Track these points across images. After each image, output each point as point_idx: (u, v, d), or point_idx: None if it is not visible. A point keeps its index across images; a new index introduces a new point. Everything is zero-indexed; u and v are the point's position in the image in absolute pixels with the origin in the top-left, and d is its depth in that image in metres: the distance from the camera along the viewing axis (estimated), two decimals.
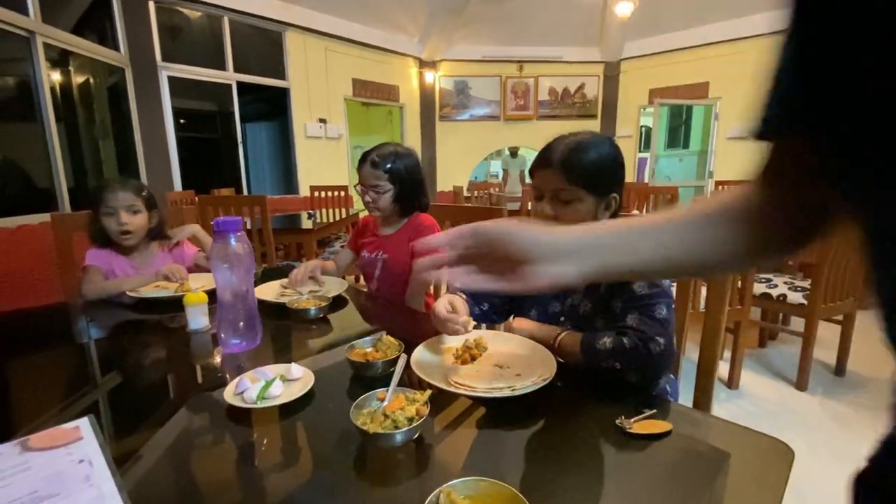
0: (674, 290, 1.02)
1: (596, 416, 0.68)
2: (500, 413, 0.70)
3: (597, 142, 0.90)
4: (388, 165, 1.41)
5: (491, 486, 0.47)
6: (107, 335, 1.14)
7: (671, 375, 1.02)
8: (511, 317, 1.00)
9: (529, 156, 8.53)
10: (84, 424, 0.67)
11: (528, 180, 7.90)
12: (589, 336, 0.83)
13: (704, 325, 1.11)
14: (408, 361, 0.77)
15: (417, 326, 1.14)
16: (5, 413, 0.78)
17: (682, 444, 0.61)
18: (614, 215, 0.93)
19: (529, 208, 3.55)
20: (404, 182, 1.44)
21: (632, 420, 0.63)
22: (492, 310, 1.10)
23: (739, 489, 0.53)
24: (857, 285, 2.22)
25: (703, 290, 1.68)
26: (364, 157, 1.45)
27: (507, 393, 0.70)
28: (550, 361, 0.79)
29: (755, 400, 2.12)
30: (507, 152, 7.27)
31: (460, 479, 0.48)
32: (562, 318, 0.97)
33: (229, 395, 0.71)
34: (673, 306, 0.85)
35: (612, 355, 0.78)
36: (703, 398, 1.11)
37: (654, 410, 0.66)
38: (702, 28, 5.62)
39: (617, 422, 0.63)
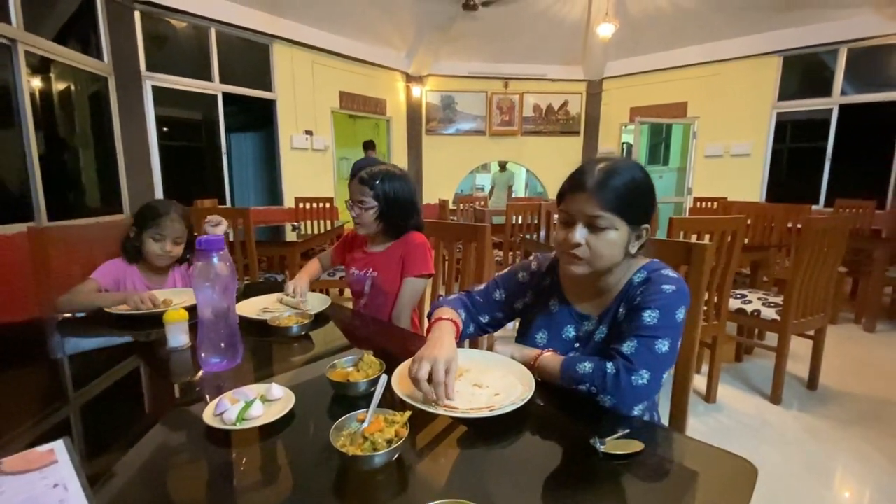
0: None
1: (571, 436, 0.70)
2: (479, 433, 0.71)
3: (630, 166, 0.85)
4: (376, 183, 1.43)
5: None
6: (84, 352, 1.12)
7: (655, 400, 1.01)
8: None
9: (514, 170, 8.68)
10: (59, 447, 0.66)
11: (515, 194, 8.07)
12: (572, 358, 0.84)
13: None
14: (388, 381, 0.78)
15: (401, 345, 1.14)
16: None
17: (653, 463, 0.63)
18: (642, 248, 0.88)
19: (512, 233, 3.59)
20: (389, 202, 1.45)
21: (605, 440, 0.65)
22: (490, 323, 1.09)
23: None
24: (827, 301, 2.31)
25: None
26: (354, 173, 1.47)
27: (485, 413, 0.71)
28: (529, 381, 0.81)
29: (732, 413, 2.16)
30: (497, 166, 7.42)
31: (437, 502, 0.49)
32: (576, 345, 0.94)
33: (209, 416, 0.71)
34: (679, 342, 0.83)
35: (591, 379, 0.79)
36: (678, 414, 1.14)
37: (628, 430, 0.68)
38: (680, 50, 5.83)
39: (591, 441, 0.65)
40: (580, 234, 0.84)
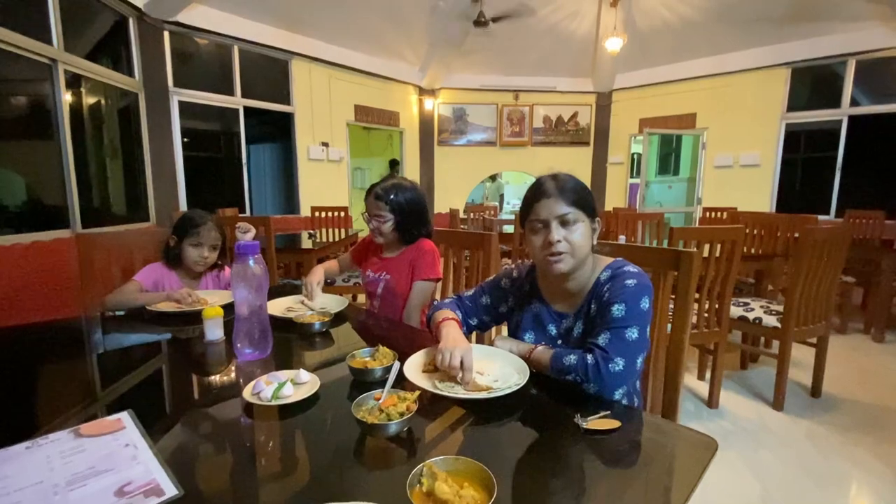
0: None
1: (558, 416, 0.80)
2: (478, 412, 0.82)
3: (572, 175, 1.03)
4: (390, 197, 1.57)
5: (464, 463, 0.59)
6: (131, 345, 1.26)
7: (637, 387, 1.12)
8: (494, 334, 1.11)
9: (513, 179, 8.83)
10: (125, 417, 0.79)
11: (506, 203, 8.23)
12: (560, 352, 0.95)
13: (669, 342, 1.24)
14: (401, 368, 0.89)
15: (411, 340, 1.26)
16: (49, 410, 0.89)
17: (627, 438, 0.73)
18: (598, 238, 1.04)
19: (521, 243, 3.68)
20: (404, 213, 1.59)
21: (587, 418, 0.75)
22: (478, 325, 1.23)
23: (667, 471, 0.65)
24: (829, 310, 2.36)
25: None
26: (370, 190, 1.61)
27: (484, 395, 0.82)
28: (524, 370, 0.92)
29: (733, 419, 2.21)
30: (489, 178, 7.78)
31: (440, 457, 0.60)
32: (559, 341, 1.06)
33: (248, 394, 0.83)
34: (648, 329, 0.94)
35: (575, 370, 0.90)
36: (669, 409, 1.23)
37: (609, 412, 0.78)
38: (688, 62, 5.91)
39: (574, 419, 0.75)
40: (557, 232, 0.97)
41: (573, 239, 0.97)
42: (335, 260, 1.84)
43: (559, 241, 0.96)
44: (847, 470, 1.80)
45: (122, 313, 1.47)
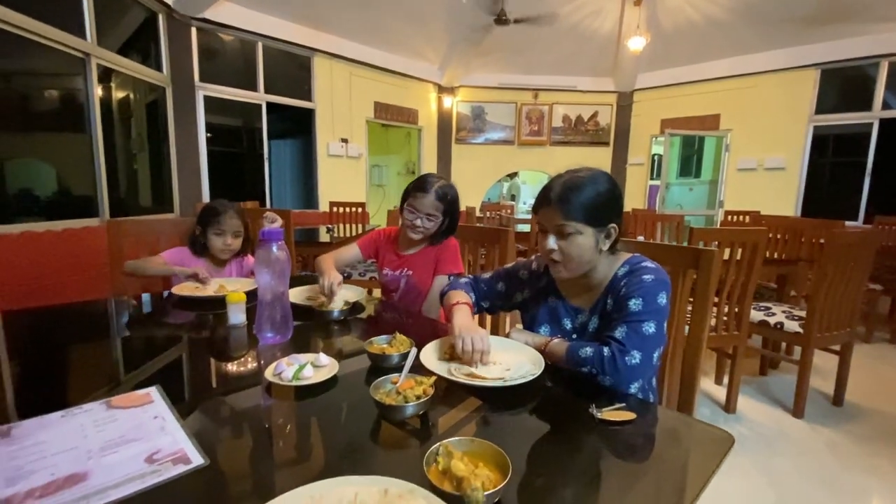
0: None
1: (573, 407, 0.81)
2: (493, 400, 0.83)
3: (593, 177, 0.96)
4: (448, 199, 1.53)
5: (480, 445, 0.61)
6: (157, 327, 1.31)
7: (653, 384, 1.12)
8: (509, 326, 1.12)
9: (530, 178, 8.80)
10: (153, 391, 0.82)
11: (521, 203, 8.20)
12: (575, 344, 0.96)
13: (687, 340, 1.23)
14: (417, 355, 0.91)
15: (428, 330, 1.27)
16: (81, 384, 0.93)
17: (642, 430, 0.73)
18: (615, 242, 1.01)
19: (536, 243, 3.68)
20: (452, 214, 1.58)
21: (602, 409, 0.76)
22: (490, 308, 1.26)
23: (682, 463, 0.65)
24: (853, 317, 2.29)
25: None
26: (425, 187, 1.51)
27: (499, 383, 0.83)
28: (539, 361, 0.92)
29: (751, 425, 2.18)
30: (507, 177, 7.89)
31: (457, 438, 0.61)
32: (574, 336, 1.06)
33: (269, 374, 0.85)
34: (665, 324, 0.94)
35: (591, 362, 0.89)
36: (685, 408, 1.22)
37: (624, 404, 0.78)
38: (713, 63, 5.79)
39: (589, 409, 0.75)
40: (552, 241, 0.98)
41: (568, 250, 0.96)
42: (333, 254, 1.68)
43: (553, 251, 0.97)
44: (867, 482, 1.75)
45: (147, 301, 1.53)
